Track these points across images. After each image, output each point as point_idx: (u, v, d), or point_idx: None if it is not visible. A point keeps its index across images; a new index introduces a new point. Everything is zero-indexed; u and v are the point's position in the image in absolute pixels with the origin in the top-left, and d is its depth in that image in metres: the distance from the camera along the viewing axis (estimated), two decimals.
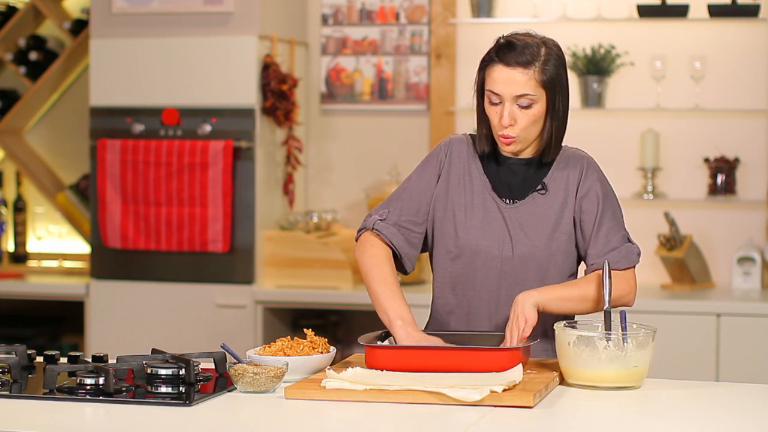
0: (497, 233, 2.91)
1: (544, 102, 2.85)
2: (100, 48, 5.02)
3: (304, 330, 2.81)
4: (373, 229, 2.98)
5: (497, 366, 2.62)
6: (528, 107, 2.84)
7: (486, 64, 2.90)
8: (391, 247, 2.96)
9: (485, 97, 2.89)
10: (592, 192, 2.93)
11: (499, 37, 2.91)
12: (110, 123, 5.01)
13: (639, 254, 2.98)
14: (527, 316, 2.76)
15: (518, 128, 2.85)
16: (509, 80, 2.83)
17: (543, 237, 2.90)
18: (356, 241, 3.02)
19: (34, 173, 5.58)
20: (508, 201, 2.93)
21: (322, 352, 2.73)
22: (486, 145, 2.94)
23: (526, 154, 2.94)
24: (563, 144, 2.96)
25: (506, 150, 2.91)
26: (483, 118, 2.92)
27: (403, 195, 2.99)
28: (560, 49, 2.90)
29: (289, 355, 2.68)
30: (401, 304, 2.85)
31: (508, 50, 2.85)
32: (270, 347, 2.74)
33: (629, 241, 2.99)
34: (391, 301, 2.85)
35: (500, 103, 2.85)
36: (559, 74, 2.87)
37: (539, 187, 2.93)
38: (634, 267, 2.97)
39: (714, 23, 5.04)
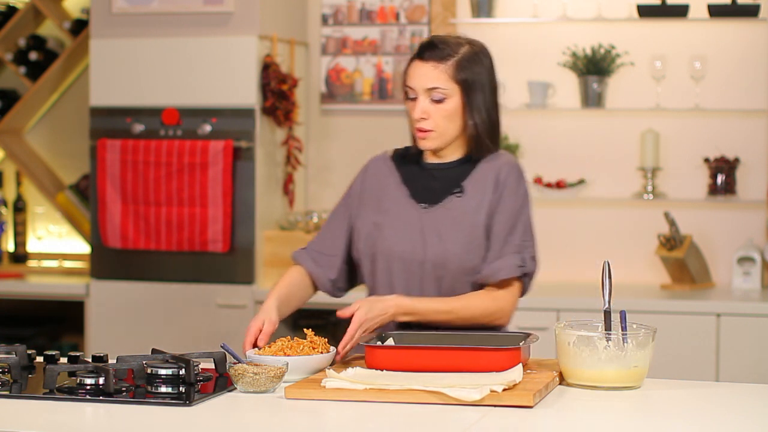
0: (411, 237, 2.93)
1: (458, 98, 2.88)
2: (100, 48, 5.02)
3: (304, 330, 2.81)
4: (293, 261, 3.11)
5: (497, 366, 2.62)
6: (440, 101, 2.88)
7: (408, 62, 2.95)
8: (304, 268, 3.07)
9: (406, 93, 2.94)
10: (505, 201, 2.92)
11: (430, 36, 2.97)
12: (110, 123, 5.01)
13: (527, 267, 2.92)
14: (366, 325, 2.79)
15: (432, 122, 2.89)
16: (421, 74, 2.88)
17: (457, 241, 2.90)
18: None
19: (34, 173, 5.58)
20: (424, 205, 2.95)
21: (322, 352, 2.73)
22: (415, 143, 2.99)
23: (449, 156, 2.97)
24: (501, 149, 2.99)
25: (423, 146, 2.94)
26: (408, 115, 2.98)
27: (322, 232, 3.10)
28: (488, 52, 2.94)
29: (289, 355, 2.68)
30: (270, 300, 2.92)
31: (427, 47, 2.90)
32: (270, 347, 2.74)
33: (524, 253, 2.92)
34: (268, 296, 2.95)
35: (415, 97, 2.90)
36: (479, 73, 2.89)
37: (457, 189, 2.94)
38: (520, 285, 2.94)
39: (714, 23, 5.04)
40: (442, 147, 2.94)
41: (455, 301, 2.90)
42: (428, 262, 2.89)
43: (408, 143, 3.07)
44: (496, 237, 2.90)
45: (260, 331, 2.81)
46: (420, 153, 3.01)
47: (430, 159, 2.99)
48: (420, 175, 2.98)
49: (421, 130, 2.90)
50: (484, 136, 2.93)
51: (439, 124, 2.89)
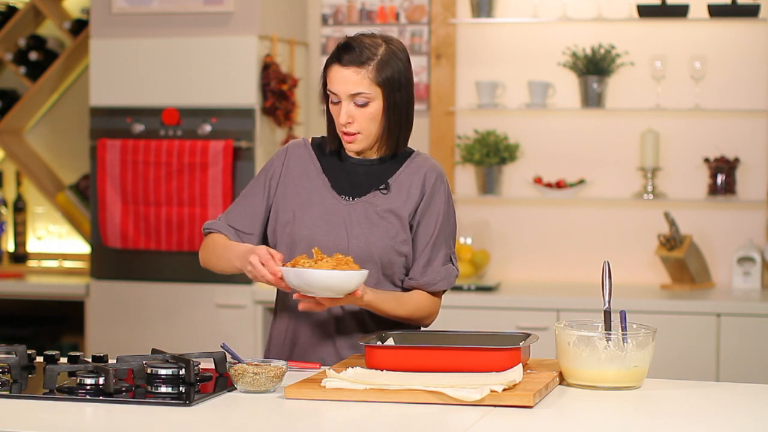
0: (334, 227, 2.94)
1: (380, 100, 2.90)
2: (100, 48, 5.03)
3: (313, 250, 2.80)
4: (204, 232, 3.08)
5: (497, 366, 2.62)
6: (364, 105, 2.90)
7: (327, 64, 2.95)
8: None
9: (329, 97, 2.95)
10: (433, 207, 2.97)
11: (345, 37, 2.96)
12: (110, 123, 5.01)
13: (457, 276, 3.04)
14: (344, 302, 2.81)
15: (357, 126, 2.91)
16: (344, 80, 2.89)
17: (381, 235, 2.94)
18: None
19: (34, 173, 5.58)
20: (347, 198, 2.97)
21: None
22: (333, 144, 3.01)
23: (371, 154, 3.00)
24: (416, 149, 3.03)
25: (350, 148, 2.97)
26: (330, 117, 2.99)
27: (237, 208, 3.06)
28: (404, 49, 2.97)
29: (336, 268, 2.69)
30: (234, 246, 2.93)
31: (345, 51, 2.91)
32: (304, 263, 2.72)
33: (452, 261, 3.02)
34: (228, 249, 2.94)
35: (339, 102, 2.92)
36: (398, 73, 2.92)
37: (382, 186, 2.97)
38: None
39: (714, 23, 5.04)
40: (368, 148, 2.98)
41: (411, 305, 2.95)
42: (351, 253, 2.91)
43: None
44: (426, 242, 2.97)
45: (272, 256, 2.80)
46: (339, 146, 3.03)
47: (352, 154, 3.01)
48: (341, 168, 3.01)
49: (347, 134, 2.93)
50: (404, 133, 2.98)
51: (365, 127, 2.92)
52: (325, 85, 2.95)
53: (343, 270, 2.71)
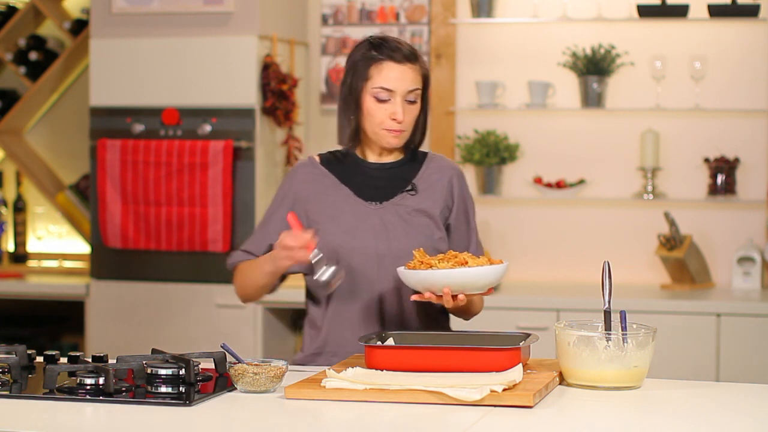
0: (369, 232, 2.95)
1: (421, 97, 2.98)
2: (100, 48, 5.03)
3: (414, 252, 2.80)
4: (230, 267, 3.08)
5: (497, 366, 2.62)
6: (414, 102, 2.95)
7: (368, 62, 2.93)
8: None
9: (369, 95, 2.93)
10: (467, 204, 3.06)
11: (368, 38, 2.97)
12: (110, 123, 5.01)
13: None
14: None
15: (406, 123, 2.95)
16: (402, 76, 2.92)
17: (418, 234, 2.96)
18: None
19: (34, 173, 5.58)
20: (374, 203, 2.98)
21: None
22: (352, 144, 3.00)
23: (389, 157, 3.02)
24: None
25: (393, 144, 2.98)
26: (353, 115, 2.96)
27: (255, 237, 3.07)
28: None
29: (467, 265, 2.72)
30: (262, 258, 2.95)
31: (392, 48, 2.93)
32: (428, 263, 2.74)
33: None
34: (255, 263, 2.97)
35: (389, 99, 2.92)
36: (428, 71, 3.00)
37: (409, 188, 3.00)
38: None
39: (714, 23, 5.04)
40: (402, 144, 3.01)
41: (482, 300, 3.04)
42: (390, 255, 2.91)
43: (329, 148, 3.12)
44: (470, 239, 3.06)
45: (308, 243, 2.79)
46: (347, 154, 3.03)
47: (371, 159, 3.01)
48: (360, 175, 3.02)
49: (394, 130, 2.94)
50: (426, 126, 3.05)
51: (409, 123, 2.97)
52: (357, 85, 2.93)
53: (495, 264, 2.74)
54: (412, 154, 3.05)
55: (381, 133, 2.95)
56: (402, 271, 2.78)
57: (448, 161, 3.09)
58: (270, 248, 2.99)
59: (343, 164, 3.04)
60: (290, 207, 3.01)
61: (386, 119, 2.93)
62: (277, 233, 2.94)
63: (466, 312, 3.02)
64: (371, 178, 3.00)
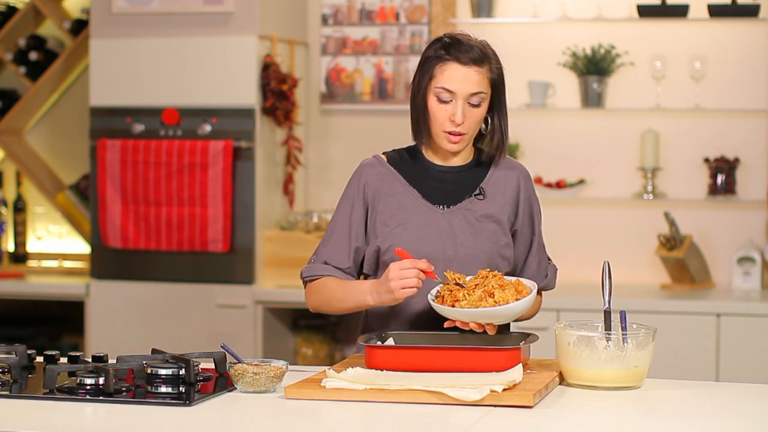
0: (436, 237, 2.91)
1: (488, 101, 2.90)
2: (100, 48, 5.03)
3: (446, 273, 2.79)
4: (304, 280, 3.00)
5: (497, 366, 2.62)
6: (477, 105, 2.88)
7: (434, 62, 2.90)
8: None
9: (432, 94, 2.90)
10: (534, 209, 3.01)
11: (443, 36, 2.93)
12: (110, 123, 5.01)
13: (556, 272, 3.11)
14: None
15: (465, 126, 2.89)
16: (466, 78, 2.86)
17: (485, 240, 2.92)
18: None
19: (34, 173, 5.58)
20: (442, 207, 2.95)
21: (518, 299, 2.72)
22: (428, 141, 2.95)
23: (456, 161, 2.98)
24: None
25: (453, 149, 2.93)
26: (420, 113, 2.93)
27: (328, 245, 2.99)
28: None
29: (493, 297, 2.71)
30: (355, 284, 2.89)
31: (461, 49, 2.87)
32: (461, 296, 2.73)
33: (549, 259, 3.09)
34: (349, 289, 2.89)
35: (451, 101, 2.87)
36: (502, 74, 2.93)
37: (477, 192, 2.96)
38: None
39: (714, 23, 5.04)
40: (462, 150, 2.95)
41: (537, 306, 3.02)
42: (457, 261, 2.89)
43: (400, 144, 3.07)
44: (535, 245, 3.01)
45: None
46: (415, 155, 3.00)
47: (437, 162, 2.98)
48: (427, 177, 2.97)
49: (455, 134, 2.89)
50: (505, 136, 2.96)
51: (471, 127, 2.90)
52: (423, 83, 2.90)
53: (523, 297, 2.71)
54: (479, 157, 3.00)
55: (441, 136, 2.90)
56: (432, 304, 2.76)
57: (515, 163, 3.03)
58: (356, 253, 2.96)
59: (410, 165, 3.00)
60: (364, 207, 2.97)
61: (446, 120, 2.89)
62: (348, 242, 2.93)
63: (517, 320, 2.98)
64: (439, 181, 2.96)
